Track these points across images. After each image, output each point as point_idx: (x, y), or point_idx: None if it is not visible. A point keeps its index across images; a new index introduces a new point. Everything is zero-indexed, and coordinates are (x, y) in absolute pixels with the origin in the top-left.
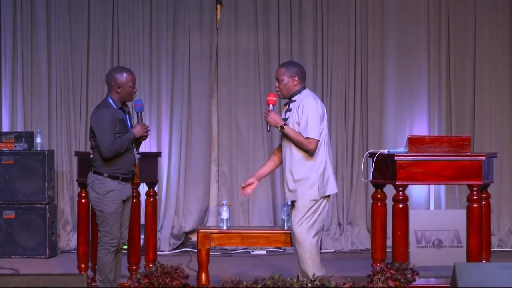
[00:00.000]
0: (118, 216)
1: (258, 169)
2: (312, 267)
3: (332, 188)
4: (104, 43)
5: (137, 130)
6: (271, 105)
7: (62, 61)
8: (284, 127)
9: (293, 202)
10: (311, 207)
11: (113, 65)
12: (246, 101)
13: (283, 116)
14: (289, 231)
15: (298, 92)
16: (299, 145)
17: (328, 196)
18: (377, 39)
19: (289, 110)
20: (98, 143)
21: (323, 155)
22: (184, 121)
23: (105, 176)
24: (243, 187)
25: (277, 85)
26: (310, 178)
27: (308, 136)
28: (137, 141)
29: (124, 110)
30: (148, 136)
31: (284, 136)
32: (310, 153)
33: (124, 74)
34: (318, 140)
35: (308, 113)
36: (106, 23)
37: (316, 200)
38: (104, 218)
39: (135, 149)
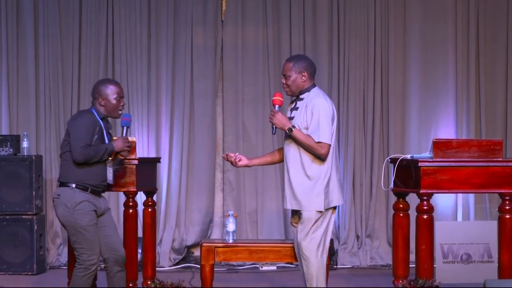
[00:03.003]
0: (94, 229)
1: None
2: (318, 285)
3: (338, 198)
4: (98, 38)
5: (117, 143)
6: (276, 106)
7: (51, 57)
8: (293, 129)
9: (296, 212)
10: (318, 219)
11: (107, 62)
12: (255, 101)
13: (288, 115)
14: None
15: (307, 90)
16: (309, 150)
17: (334, 207)
18: (399, 33)
19: (295, 108)
20: (71, 143)
21: (330, 161)
22: (186, 124)
23: (73, 187)
24: (232, 158)
25: (284, 82)
26: (316, 186)
27: (320, 140)
28: (116, 156)
29: (107, 125)
30: (129, 153)
31: (291, 138)
32: (321, 158)
33: (110, 86)
34: (330, 145)
35: (319, 115)
36: (100, 15)
37: (322, 212)
38: (79, 233)
39: (110, 168)
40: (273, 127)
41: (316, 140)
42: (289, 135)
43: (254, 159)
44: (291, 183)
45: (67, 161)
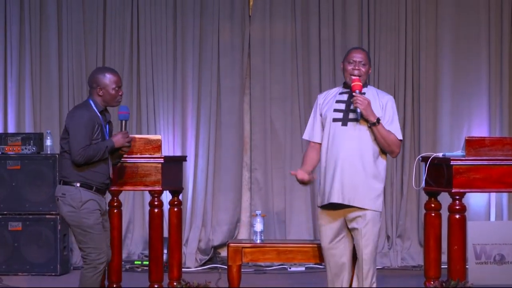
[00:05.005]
0: (100, 228)
1: (303, 165)
2: (371, 285)
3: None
4: (123, 33)
5: (117, 139)
6: (357, 91)
7: (75, 53)
8: (380, 121)
9: (334, 207)
10: (379, 221)
11: (132, 58)
12: (283, 98)
13: (338, 107)
14: None
15: (366, 85)
16: (388, 146)
17: None
18: (430, 29)
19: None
20: (70, 144)
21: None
22: (213, 122)
23: (77, 186)
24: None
25: (358, 69)
26: (378, 186)
27: (401, 138)
28: (116, 152)
29: (105, 117)
30: (130, 148)
31: (369, 130)
32: (393, 155)
33: (107, 75)
34: None
35: (395, 113)
36: (125, 11)
37: (381, 213)
38: (86, 233)
39: (110, 161)
40: (357, 113)
41: (400, 138)
42: (371, 125)
43: (309, 167)
44: (343, 177)
45: (69, 160)
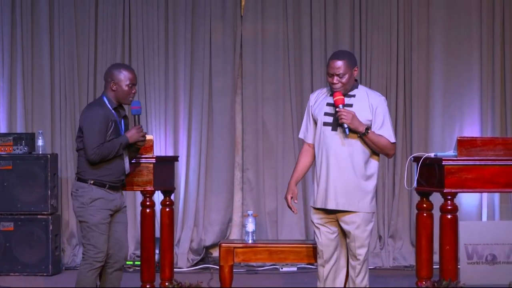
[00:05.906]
0: (105, 228)
1: (292, 174)
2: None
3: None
4: (114, 34)
5: (131, 134)
6: (341, 105)
7: (67, 54)
8: (370, 130)
9: (328, 212)
10: (372, 222)
11: (124, 59)
12: (275, 98)
13: (327, 111)
14: None
15: (355, 86)
16: (379, 150)
17: None
18: (422, 29)
19: (346, 105)
20: (85, 143)
21: (380, 164)
22: (205, 122)
23: (90, 183)
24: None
25: (337, 82)
26: (370, 187)
27: (394, 141)
28: (132, 147)
29: (120, 113)
30: (145, 142)
31: (359, 138)
32: (388, 157)
33: (123, 71)
34: None
35: (387, 114)
36: (117, 11)
37: (374, 213)
38: (89, 229)
39: (126, 157)
40: (346, 128)
41: (392, 141)
42: (361, 135)
43: (294, 183)
44: (335, 182)
45: (84, 157)
